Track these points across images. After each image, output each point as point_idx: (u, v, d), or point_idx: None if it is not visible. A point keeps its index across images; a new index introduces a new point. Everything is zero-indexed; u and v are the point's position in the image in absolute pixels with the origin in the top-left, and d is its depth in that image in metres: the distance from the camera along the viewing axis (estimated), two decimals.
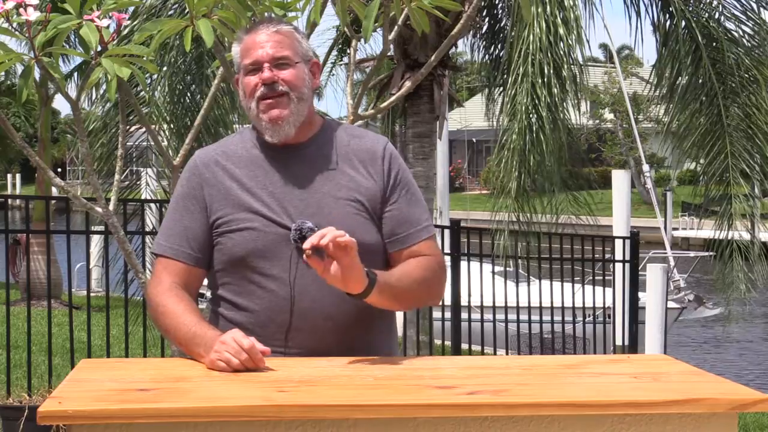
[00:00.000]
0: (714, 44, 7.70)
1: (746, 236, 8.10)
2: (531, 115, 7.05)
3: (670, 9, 7.82)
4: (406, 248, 2.51)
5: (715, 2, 8.00)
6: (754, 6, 7.92)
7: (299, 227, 2.40)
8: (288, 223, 2.41)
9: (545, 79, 6.98)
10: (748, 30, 7.89)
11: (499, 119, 7.86)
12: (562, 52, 7.04)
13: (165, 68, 7.27)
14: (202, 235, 2.48)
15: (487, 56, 8.91)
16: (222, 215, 2.45)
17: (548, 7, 7.00)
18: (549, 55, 6.98)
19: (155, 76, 7.28)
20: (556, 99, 7.03)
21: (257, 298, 2.43)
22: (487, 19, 8.86)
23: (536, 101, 7.03)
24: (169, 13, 7.15)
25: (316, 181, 2.47)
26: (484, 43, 8.86)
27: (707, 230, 8.77)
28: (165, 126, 7.26)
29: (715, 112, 7.59)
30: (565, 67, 7.03)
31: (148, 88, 7.45)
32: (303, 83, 2.49)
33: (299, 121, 2.48)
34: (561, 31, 7.02)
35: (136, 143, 8.65)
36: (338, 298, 2.39)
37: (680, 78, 7.74)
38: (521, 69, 7.07)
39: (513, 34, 7.39)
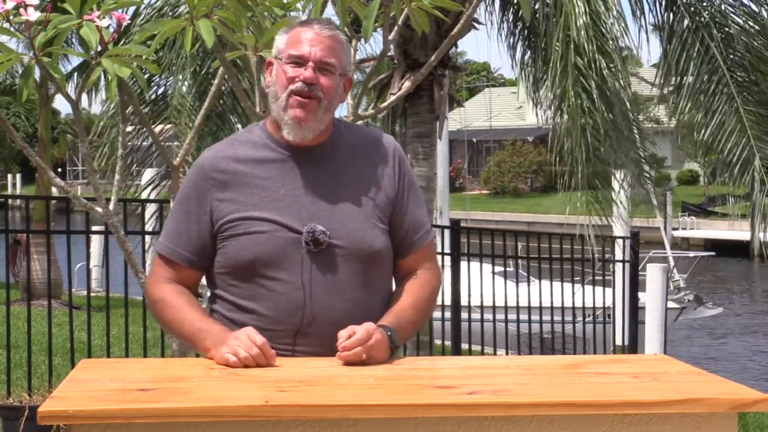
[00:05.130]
0: (723, 34, 7.58)
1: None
2: (580, 99, 6.93)
3: (676, 2, 7.74)
4: (413, 253, 2.57)
5: None
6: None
7: (311, 230, 2.40)
8: (298, 227, 2.41)
9: (590, 58, 6.88)
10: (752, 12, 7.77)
11: (546, 115, 7.68)
12: (604, 29, 6.95)
13: (185, 66, 7.25)
14: (199, 239, 2.47)
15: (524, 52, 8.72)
16: (230, 219, 2.44)
17: None
18: (590, 33, 6.88)
19: (180, 76, 7.26)
20: (606, 75, 6.91)
21: (265, 301, 2.42)
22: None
23: (583, 83, 6.92)
24: (179, 10, 7.12)
25: (328, 185, 2.47)
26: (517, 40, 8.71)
27: (705, 230, 8.72)
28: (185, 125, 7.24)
29: (730, 104, 7.45)
30: (610, 43, 6.93)
31: (150, 88, 7.45)
32: (335, 94, 2.48)
33: (319, 129, 2.47)
34: (601, 9, 6.96)
35: (140, 143, 8.62)
36: (346, 304, 2.41)
37: (687, 74, 7.61)
38: (561, 54, 6.95)
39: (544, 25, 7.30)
